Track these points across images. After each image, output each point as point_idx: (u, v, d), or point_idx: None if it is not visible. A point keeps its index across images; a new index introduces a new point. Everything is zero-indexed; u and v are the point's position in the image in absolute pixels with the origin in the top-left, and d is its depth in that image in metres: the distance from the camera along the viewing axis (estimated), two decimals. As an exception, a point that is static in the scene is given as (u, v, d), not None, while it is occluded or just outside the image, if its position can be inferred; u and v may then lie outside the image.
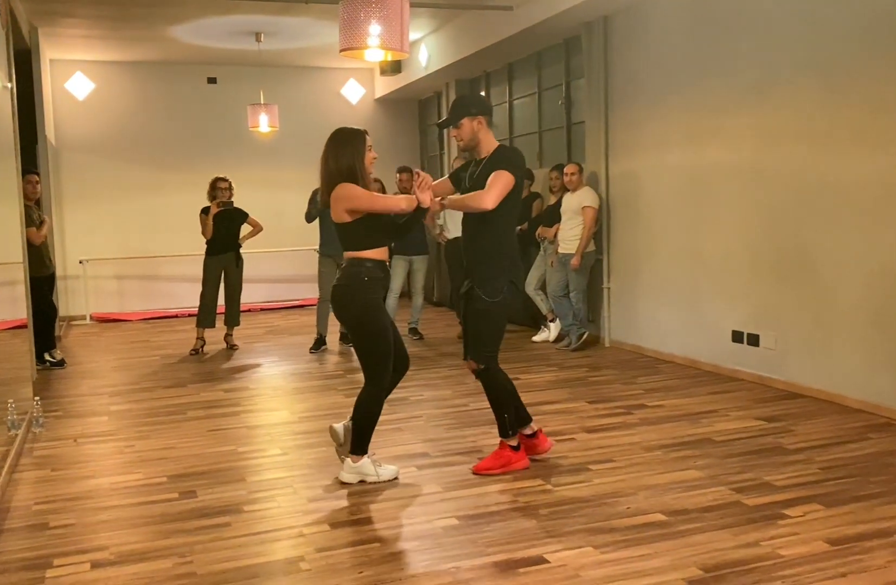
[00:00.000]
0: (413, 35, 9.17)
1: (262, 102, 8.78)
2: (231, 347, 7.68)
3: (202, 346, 7.55)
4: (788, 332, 5.37)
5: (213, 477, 3.97)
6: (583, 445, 4.33)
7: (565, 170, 6.99)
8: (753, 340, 5.65)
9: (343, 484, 3.77)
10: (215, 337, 7.82)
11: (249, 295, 9.30)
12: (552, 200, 7.49)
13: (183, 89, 10.36)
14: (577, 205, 6.91)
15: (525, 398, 5.33)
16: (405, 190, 7.61)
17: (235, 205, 7.51)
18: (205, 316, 7.55)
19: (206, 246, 7.58)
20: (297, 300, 10.73)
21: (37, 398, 4.99)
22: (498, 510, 3.43)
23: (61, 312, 9.79)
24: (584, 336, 7.06)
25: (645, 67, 6.56)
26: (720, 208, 5.89)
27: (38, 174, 6.90)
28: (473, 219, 3.87)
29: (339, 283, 3.75)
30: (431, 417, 5.00)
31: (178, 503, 3.61)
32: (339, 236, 3.77)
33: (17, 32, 7.27)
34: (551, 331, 7.48)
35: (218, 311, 7.63)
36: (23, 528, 3.36)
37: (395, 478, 3.84)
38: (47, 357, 6.99)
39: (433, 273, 9.82)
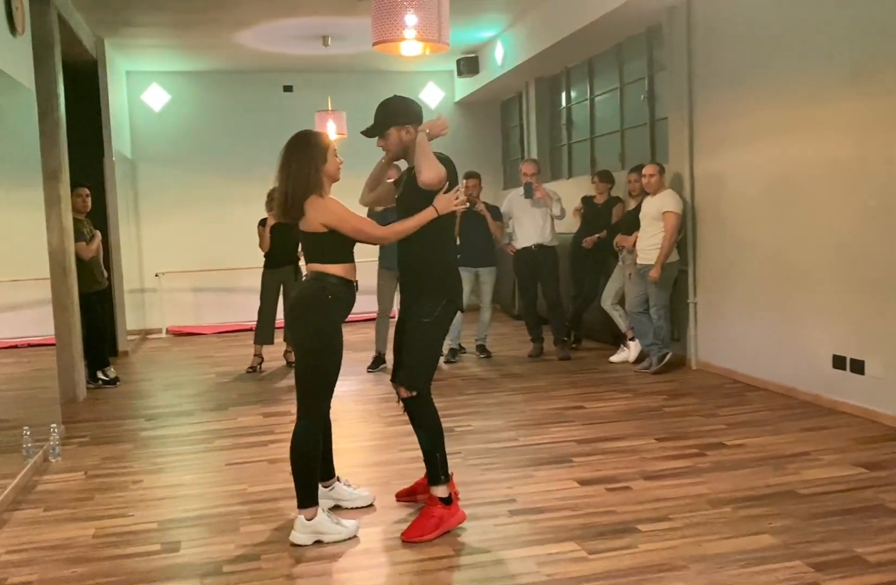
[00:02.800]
0: (488, 33, 8.67)
1: (329, 109, 8.41)
2: (290, 364, 7.32)
3: (260, 363, 7.22)
4: (900, 359, 4.53)
5: (207, 524, 3.53)
6: (637, 496, 3.66)
7: (643, 171, 6.28)
8: (857, 367, 4.82)
9: (336, 543, 3.25)
10: (276, 353, 7.48)
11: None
12: (632, 205, 6.80)
13: (258, 98, 10.14)
14: (656, 210, 6.20)
15: (585, 431, 4.78)
16: (471, 197, 7.06)
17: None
18: (262, 332, 7.22)
19: (263, 259, 7.27)
20: (369, 312, 10.31)
21: (53, 425, 4.70)
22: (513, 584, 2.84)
23: (137, 326, 9.72)
24: (667, 357, 6.31)
25: (732, 54, 5.79)
26: (818, 212, 5.08)
27: (88, 187, 6.70)
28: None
29: (297, 297, 3.34)
30: (471, 454, 4.42)
31: (155, 558, 3.18)
32: (304, 246, 3.39)
33: (74, 43, 7.14)
34: (631, 351, 6.77)
35: (278, 326, 7.28)
36: (-24, 585, 3.00)
37: (357, 532, 3.34)
38: (100, 375, 6.79)
39: (511, 284, 9.23)
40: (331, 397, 3.42)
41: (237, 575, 3.00)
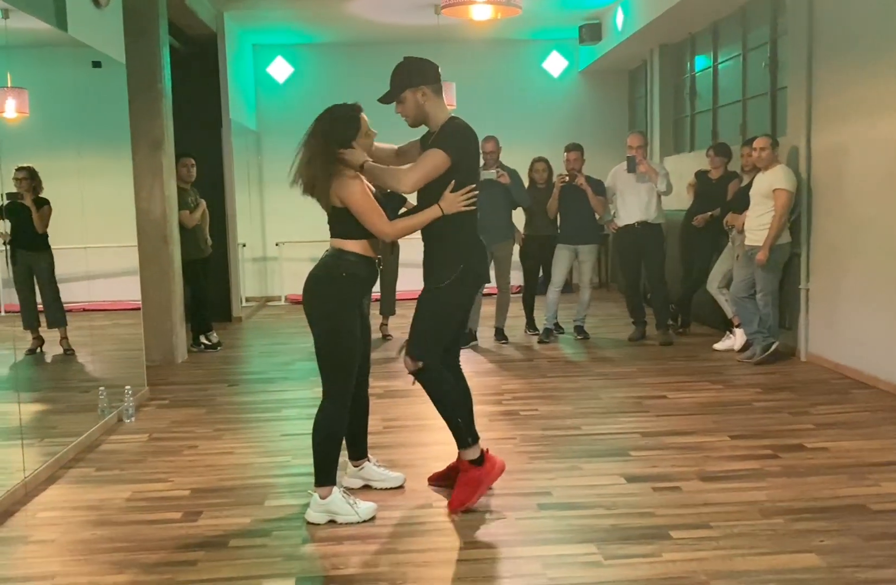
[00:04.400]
0: (610, -2, 8.23)
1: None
2: (385, 337, 7.31)
3: (355, 335, 7.24)
4: None
5: (236, 495, 3.53)
6: (683, 499, 3.36)
7: (754, 144, 5.77)
8: (977, 369, 4.25)
9: (349, 525, 3.16)
10: (373, 325, 7.46)
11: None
12: (747, 181, 6.28)
13: (378, 70, 9.94)
14: (767, 187, 5.68)
15: (656, 424, 4.48)
16: (572, 171, 6.74)
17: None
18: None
19: (362, 231, 7.25)
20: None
21: (127, 387, 4.86)
22: (511, 585, 2.66)
23: (259, 293, 10.04)
24: (773, 347, 5.81)
25: (857, 17, 5.17)
26: (944, 192, 4.49)
27: (194, 157, 6.86)
28: (425, 202, 3.27)
29: (313, 273, 3.24)
30: (525, 440, 4.22)
31: (171, 526, 3.20)
32: (329, 220, 3.25)
33: (188, 16, 7.31)
34: (736, 339, 6.29)
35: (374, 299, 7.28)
36: (2, 540, 3.11)
37: (373, 518, 3.21)
38: (203, 339, 7.01)
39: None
40: (354, 377, 3.27)
41: (240, 551, 2.97)
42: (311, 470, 3.72)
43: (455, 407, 3.33)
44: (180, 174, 6.66)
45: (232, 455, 4.12)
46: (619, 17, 8.23)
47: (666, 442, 4.11)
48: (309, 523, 3.18)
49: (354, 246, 3.18)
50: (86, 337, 5.37)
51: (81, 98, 4.79)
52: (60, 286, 4.94)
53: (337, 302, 3.16)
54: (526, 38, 9.87)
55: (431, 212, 3.20)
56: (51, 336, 4.99)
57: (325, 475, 3.22)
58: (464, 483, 3.30)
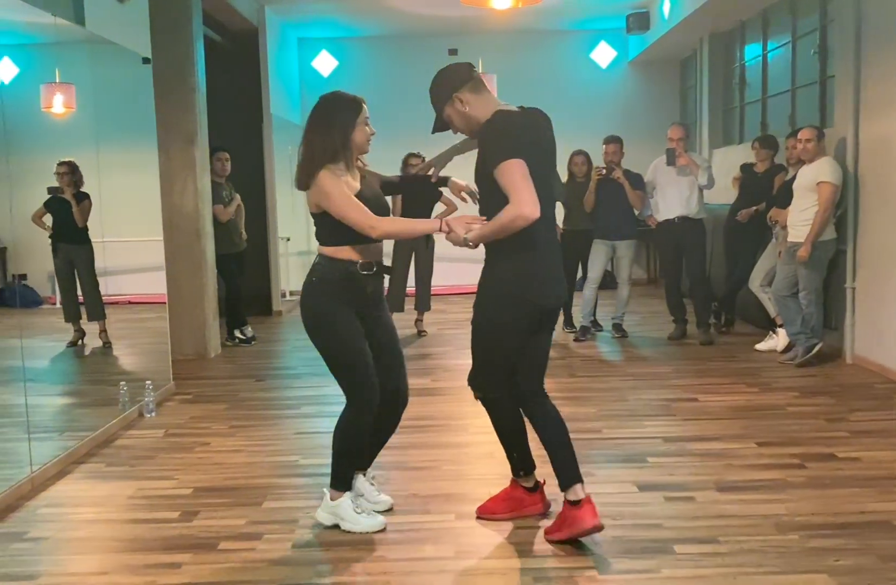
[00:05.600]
0: (657, -15, 7.98)
1: (480, 71, 8.10)
2: (420, 333, 7.22)
3: (389, 331, 7.16)
4: None
5: (237, 495, 3.48)
6: (695, 510, 3.19)
7: (798, 135, 5.50)
8: None
9: (341, 530, 3.07)
10: (408, 320, 7.38)
11: (463, 277, 8.80)
12: (792, 175, 5.99)
13: (424, 62, 9.88)
14: (811, 180, 5.41)
15: (680, 428, 4.32)
16: (610, 164, 6.54)
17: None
18: (392, 300, 7.15)
19: (396, 225, 7.16)
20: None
21: (148, 381, 4.87)
22: (496, 599, 2.54)
23: (297, 287, 10.04)
24: (816, 348, 5.54)
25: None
26: None
27: (229, 151, 6.85)
28: (484, 208, 2.94)
29: (305, 282, 3.05)
30: (541, 443, 4.06)
31: (166, 526, 3.16)
32: (315, 225, 3.06)
33: (228, 12, 7.31)
34: (779, 339, 6.02)
35: (408, 294, 7.20)
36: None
37: (382, 530, 3.06)
38: (237, 334, 7.02)
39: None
40: (371, 373, 3.03)
41: (228, 554, 2.91)
42: (318, 471, 3.71)
43: (511, 441, 3.13)
44: (215, 168, 6.65)
45: (241, 453, 4.07)
46: (666, 6, 7.97)
47: (687, 449, 3.93)
48: (318, 521, 3.11)
49: (345, 252, 2.96)
50: (127, 329, 5.42)
51: (105, 93, 4.81)
52: (107, 278, 4.98)
53: (328, 309, 2.98)
54: (572, 28, 9.65)
55: (430, 225, 2.99)
56: (92, 328, 5.05)
57: (338, 480, 3.10)
58: (507, 495, 3.19)
